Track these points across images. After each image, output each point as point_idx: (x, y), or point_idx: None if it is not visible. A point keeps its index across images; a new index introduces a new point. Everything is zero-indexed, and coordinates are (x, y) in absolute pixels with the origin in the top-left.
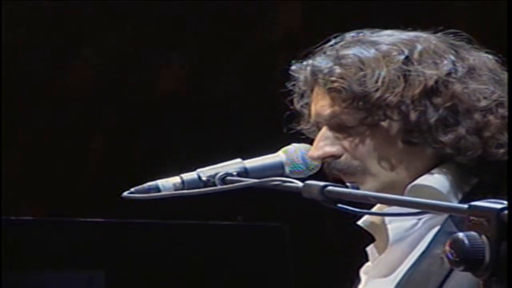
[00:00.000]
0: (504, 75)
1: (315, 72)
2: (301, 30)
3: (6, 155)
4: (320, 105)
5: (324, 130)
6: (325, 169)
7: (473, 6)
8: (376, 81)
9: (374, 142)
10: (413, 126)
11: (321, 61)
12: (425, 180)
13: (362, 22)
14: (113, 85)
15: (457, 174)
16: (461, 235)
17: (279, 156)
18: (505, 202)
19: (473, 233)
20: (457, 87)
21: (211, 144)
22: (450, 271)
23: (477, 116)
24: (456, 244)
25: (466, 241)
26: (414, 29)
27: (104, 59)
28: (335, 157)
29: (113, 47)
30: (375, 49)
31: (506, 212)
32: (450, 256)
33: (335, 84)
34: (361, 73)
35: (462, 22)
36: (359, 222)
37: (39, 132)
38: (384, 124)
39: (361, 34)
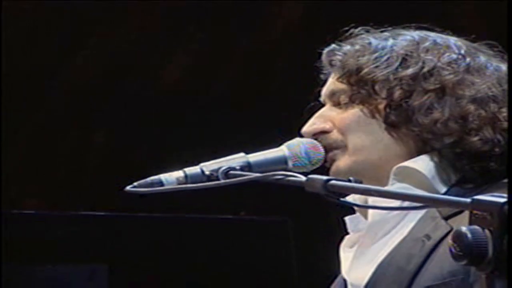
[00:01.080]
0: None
1: (329, 53)
2: (302, 27)
3: (9, 149)
4: (326, 84)
5: (323, 109)
6: None
7: (477, 7)
8: (370, 59)
9: (359, 119)
10: (396, 105)
11: (338, 44)
12: (411, 163)
13: (363, 20)
14: (115, 80)
15: (442, 163)
16: (464, 229)
17: (282, 150)
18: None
19: (476, 227)
20: (451, 76)
21: (213, 139)
22: (430, 253)
23: (463, 104)
24: (459, 238)
25: (469, 235)
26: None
27: (106, 55)
28: (325, 132)
29: (115, 43)
30: (392, 38)
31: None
32: (453, 250)
33: (336, 57)
34: (362, 51)
35: (466, 22)
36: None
37: (41, 126)
38: (371, 101)
39: (389, 30)
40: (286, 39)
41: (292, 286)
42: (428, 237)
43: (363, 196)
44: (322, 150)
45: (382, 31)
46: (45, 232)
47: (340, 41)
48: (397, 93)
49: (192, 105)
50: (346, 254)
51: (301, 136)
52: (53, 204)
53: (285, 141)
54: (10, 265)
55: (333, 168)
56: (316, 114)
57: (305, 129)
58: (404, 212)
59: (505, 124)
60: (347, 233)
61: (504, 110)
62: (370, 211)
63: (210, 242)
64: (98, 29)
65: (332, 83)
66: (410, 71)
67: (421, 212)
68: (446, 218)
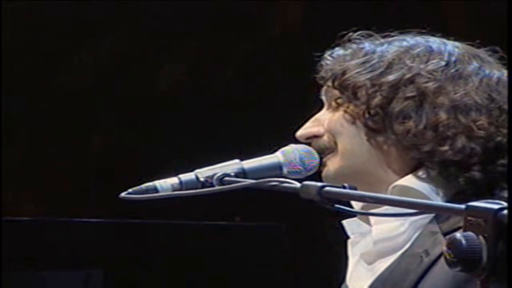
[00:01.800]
0: (501, 96)
1: (324, 56)
2: (300, 29)
3: (5, 154)
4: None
5: (320, 112)
6: None
7: (471, 5)
8: (357, 63)
9: (343, 122)
10: (374, 111)
11: (334, 48)
12: (404, 181)
13: (362, 21)
14: (112, 84)
15: (434, 178)
16: (458, 235)
17: (277, 156)
18: (502, 202)
19: (470, 233)
20: (429, 84)
21: (209, 144)
22: (427, 270)
23: (439, 112)
24: (454, 245)
25: (463, 242)
26: (416, 27)
27: (103, 58)
28: (318, 136)
29: (111, 46)
30: (387, 43)
31: (503, 212)
32: (447, 256)
33: (327, 61)
34: (352, 55)
35: (460, 22)
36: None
37: (37, 131)
38: (353, 105)
39: (392, 35)
40: (284, 41)
41: None
42: (426, 253)
43: (361, 204)
44: (317, 156)
45: (384, 36)
46: (40, 237)
47: (339, 44)
48: (376, 99)
49: (189, 109)
50: (352, 258)
51: (296, 139)
52: (50, 209)
53: (281, 146)
54: (5, 271)
55: (324, 172)
56: (312, 118)
57: (299, 132)
58: (410, 231)
59: (481, 133)
60: (347, 237)
61: (484, 118)
62: (374, 227)
63: (205, 248)
64: (95, 32)
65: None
66: (391, 77)
67: (421, 227)
68: (446, 234)
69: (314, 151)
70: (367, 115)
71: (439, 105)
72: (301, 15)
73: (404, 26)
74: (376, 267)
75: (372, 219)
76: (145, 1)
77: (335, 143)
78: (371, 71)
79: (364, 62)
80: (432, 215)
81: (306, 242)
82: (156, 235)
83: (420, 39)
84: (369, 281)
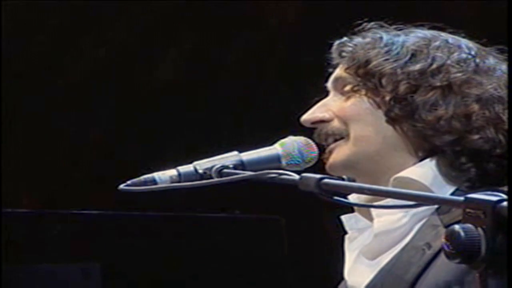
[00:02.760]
0: None
1: (340, 44)
2: (297, 26)
3: (2, 148)
4: (334, 74)
5: (327, 98)
6: (314, 137)
7: (472, 4)
8: (380, 52)
9: (361, 108)
10: (400, 98)
11: (351, 37)
12: (407, 173)
13: (359, 18)
14: (110, 77)
15: (442, 170)
16: (457, 227)
17: (276, 148)
18: (501, 194)
19: (469, 225)
20: (459, 75)
21: (207, 137)
22: (429, 262)
23: (468, 103)
24: (453, 236)
25: (462, 233)
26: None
27: (102, 52)
28: (325, 122)
29: (109, 41)
30: (404, 34)
31: (502, 204)
32: (446, 248)
33: (346, 49)
34: (373, 43)
35: (461, 19)
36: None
37: (35, 125)
38: (377, 93)
39: (404, 28)
40: (280, 39)
41: (285, 284)
42: (428, 245)
43: (364, 196)
44: (315, 148)
45: (394, 28)
46: (38, 230)
47: (353, 34)
48: (403, 87)
49: (187, 103)
50: (349, 253)
51: (301, 132)
52: (47, 202)
53: (279, 140)
54: (3, 264)
55: (331, 159)
56: (318, 104)
57: (305, 117)
58: (411, 223)
59: (506, 126)
60: (345, 232)
61: (506, 112)
62: (375, 220)
63: (204, 241)
64: (93, 27)
65: (339, 72)
66: (418, 66)
67: (423, 220)
68: (447, 227)
69: (312, 143)
70: (392, 103)
71: (468, 95)
72: (300, 13)
73: (403, 25)
74: (377, 262)
75: (373, 212)
76: (139, 1)
77: (347, 130)
78: (396, 60)
79: (387, 51)
80: (434, 207)
81: (305, 234)
82: (154, 228)
83: (434, 32)
84: (371, 276)
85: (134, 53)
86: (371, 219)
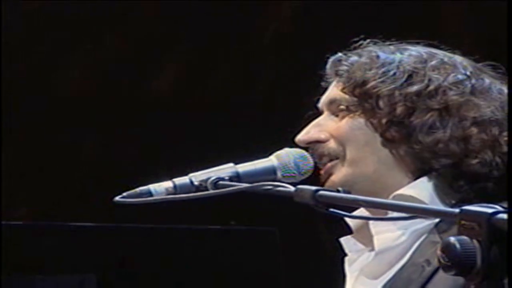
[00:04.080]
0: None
1: (335, 61)
2: (293, 31)
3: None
4: (327, 92)
5: (320, 118)
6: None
7: (464, 8)
8: (378, 72)
9: (356, 129)
10: (397, 120)
11: (345, 54)
12: (407, 190)
13: (354, 24)
14: (106, 86)
15: (440, 186)
16: (452, 239)
17: (271, 160)
18: (496, 206)
19: (464, 237)
20: (456, 97)
21: (204, 147)
22: (429, 279)
23: (466, 125)
24: (448, 249)
25: (457, 245)
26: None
27: (98, 60)
28: (320, 142)
29: (105, 50)
30: (399, 52)
31: (497, 216)
32: (441, 260)
33: (343, 67)
34: (370, 64)
35: (453, 25)
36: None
37: (30, 135)
38: (373, 114)
39: (397, 43)
40: (278, 44)
41: None
42: (428, 262)
43: (364, 212)
44: (311, 160)
45: (388, 44)
46: (34, 242)
47: (348, 51)
48: (400, 109)
49: (182, 116)
50: (350, 275)
51: (294, 143)
52: (43, 213)
53: (275, 149)
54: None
55: (329, 181)
56: (313, 123)
57: (300, 137)
58: (410, 240)
59: (505, 148)
60: (344, 254)
61: (505, 134)
62: (375, 238)
63: (198, 252)
64: (90, 36)
65: (333, 92)
66: (415, 88)
67: (422, 237)
68: None
69: (308, 155)
70: (389, 125)
71: (465, 118)
72: (293, 17)
73: (400, 27)
74: (378, 281)
75: (373, 229)
76: (140, 3)
77: (343, 151)
78: (393, 82)
79: (384, 72)
80: (433, 225)
81: (300, 247)
82: (150, 240)
83: (428, 50)
84: None
85: (129, 67)
86: (366, 242)
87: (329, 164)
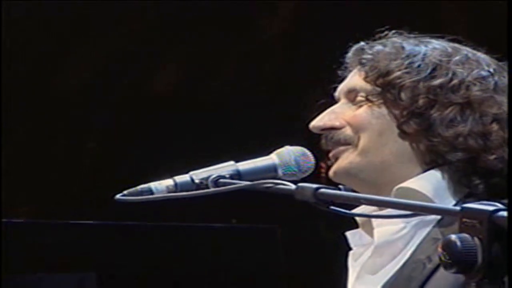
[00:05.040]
0: None
1: (358, 50)
2: (294, 32)
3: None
4: (346, 80)
5: (336, 105)
6: (322, 144)
7: (467, 7)
8: (402, 64)
9: (375, 119)
10: (418, 112)
11: (369, 43)
12: (411, 183)
13: (354, 24)
14: (107, 86)
15: (448, 180)
16: (453, 237)
17: (272, 158)
18: (498, 204)
19: (465, 235)
20: (479, 93)
21: (205, 146)
22: (429, 275)
23: (486, 121)
24: (449, 246)
25: (458, 243)
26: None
27: (98, 60)
28: (336, 129)
29: (106, 50)
30: (424, 45)
31: (498, 214)
32: (442, 258)
33: (367, 56)
34: (395, 54)
35: (456, 23)
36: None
37: (32, 133)
38: (393, 104)
39: (421, 36)
40: (278, 45)
41: None
42: (429, 259)
43: (370, 208)
44: (312, 158)
45: (412, 37)
46: (33, 240)
47: (373, 40)
48: (422, 101)
49: (183, 114)
50: (352, 270)
51: (297, 142)
52: (44, 211)
53: (275, 149)
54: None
55: (336, 165)
56: (328, 110)
57: (314, 123)
58: (411, 234)
59: None
60: (349, 248)
61: None
62: (376, 230)
63: (201, 250)
64: (89, 36)
65: (354, 80)
66: (438, 81)
67: (424, 232)
68: None
69: (309, 153)
70: (409, 116)
71: (486, 114)
72: (294, 18)
73: (401, 26)
74: (379, 277)
75: (374, 222)
76: (139, 3)
77: (358, 138)
78: (417, 74)
79: (409, 63)
80: (435, 220)
81: (301, 244)
82: (151, 238)
83: (452, 44)
84: None
85: (131, 65)
86: (372, 235)
87: (340, 148)
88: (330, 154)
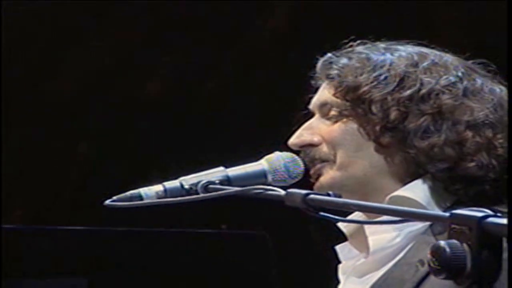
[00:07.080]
0: (504, 111)
1: (325, 63)
2: (289, 33)
3: None
4: (318, 94)
5: (312, 120)
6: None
7: (460, 14)
8: (370, 77)
9: (349, 133)
10: (390, 125)
11: (336, 55)
12: (403, 191)
13: (349, 26)
14: (100, 91)
15: (436, 188)
16: (442, 243)
17: (262, 164)
18: (487, 210)
19: (454, 241)
20: (449, 100)
21: (194, 152)
22: (423, 279)
23: (460, 129)
24: (438, 252)
25: (447, 249)
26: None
27: (92, 63)
28: (313, 146)
29: (98, 55)
30: (390, 53)
31: (487, 220)
32: (431, 264)
33: (334, 72)
34: (361, 67)
35: (448, 28)
36: (340, 225)
37: (25, 138)
38: (365, 119)
39: (387, 43)
40: (273, 47)
41: None
42: (422, 262)
43: (362, 214)
44: (302, 164)
45: (377, 44)
46: (26, 246)
47: (337, 51)
48: (393, 114)
49: (174, 119)
50: (342, 278)
51: (287, 147)
52: (37, 216)
53: (267, 152)
54: None
55: (318, 182)
56: (304, 126)
57: (292, 140)
58: (405, 242)
59: (500, 150)
60: (338, 261)
61: (500, 136)
62: (370, 238)
63: (191, 256)
64: (82, 40)
65: (325, 95)
66: (407, 92)
67: (417, 237)
68: None
69: (299, 159)
70: (383, 130)
71: (459, 122)
72: (289, 19)
73: (394, 28)
74: (368, 278)
75: (367, 230)
76: (134, 5)
77: (334, 155)
78: (385, 86)
79: (376, 76)
80: (427, 227)
81: (291, 251)
82: (141, 243)
83: (418, 50)
84: None
85: (123, 69)
86: (362, 248)
87: (318, 165)
88: (311, 172)
